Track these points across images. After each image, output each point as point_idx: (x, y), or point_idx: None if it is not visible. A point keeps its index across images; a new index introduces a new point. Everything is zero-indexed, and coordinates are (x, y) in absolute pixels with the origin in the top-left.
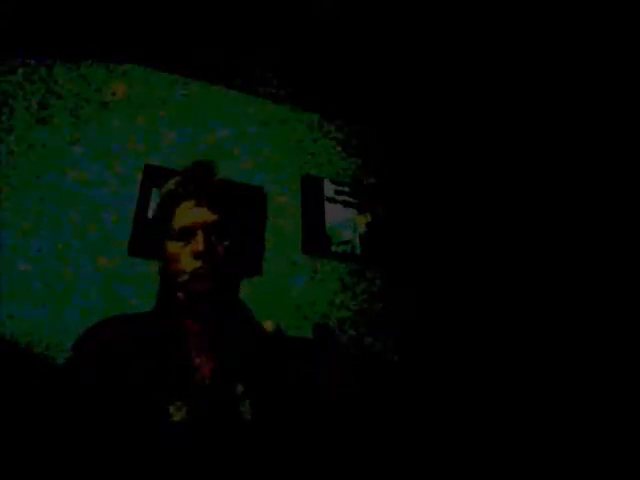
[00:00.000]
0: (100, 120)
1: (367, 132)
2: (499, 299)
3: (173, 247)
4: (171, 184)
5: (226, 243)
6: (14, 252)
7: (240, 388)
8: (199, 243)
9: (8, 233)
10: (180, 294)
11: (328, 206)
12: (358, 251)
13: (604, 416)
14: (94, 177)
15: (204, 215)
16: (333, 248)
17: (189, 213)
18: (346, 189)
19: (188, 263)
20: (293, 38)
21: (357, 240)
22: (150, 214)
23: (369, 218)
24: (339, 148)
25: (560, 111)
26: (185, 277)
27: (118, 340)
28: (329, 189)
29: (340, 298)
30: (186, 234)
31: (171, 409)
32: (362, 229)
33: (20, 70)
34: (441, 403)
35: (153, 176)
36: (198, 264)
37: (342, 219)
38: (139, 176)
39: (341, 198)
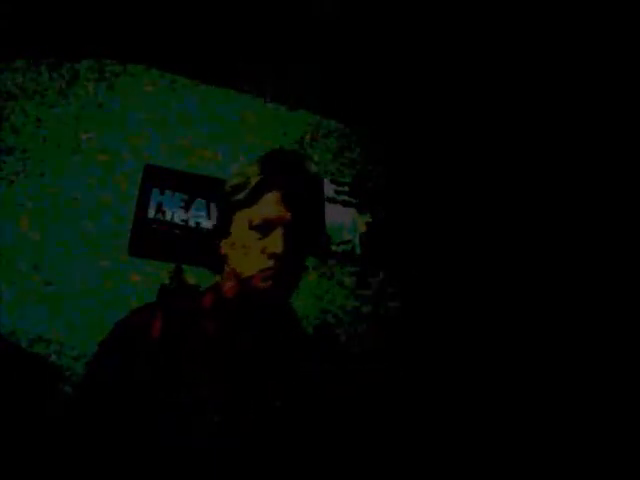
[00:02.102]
0: (100, 120)
1: (367, 132)
2: (499, 299)
3: (246, 235)
4: (259, 169)
5: (300, 246)
6: (14, 252)
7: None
8: (278, 244)
9: (8, 233)
10: (229, 285)
11: (328, 206)
12: (358, 251)
13: (604, 415)
14: (94, 177)
15: (287, 213)
16: (333, 248)
17: (274, 207)
18: (346, 189)
19: (258, 259)
20: (293, 38)
21: (357, 240)
22: (151, 214)
23: (369, 218)
24: (339, 148)
25: (560, 111)
26: (250, 272)
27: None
28: (329, 189)
29: (340, 298)
30: (265, 227)
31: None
32: (362, 229)
33: (20, 70)
34: (440, 403)
35: (153, 176)
36: (269, 264)
37: (342, 219)
38: (139, 176)
39: (341, 198)
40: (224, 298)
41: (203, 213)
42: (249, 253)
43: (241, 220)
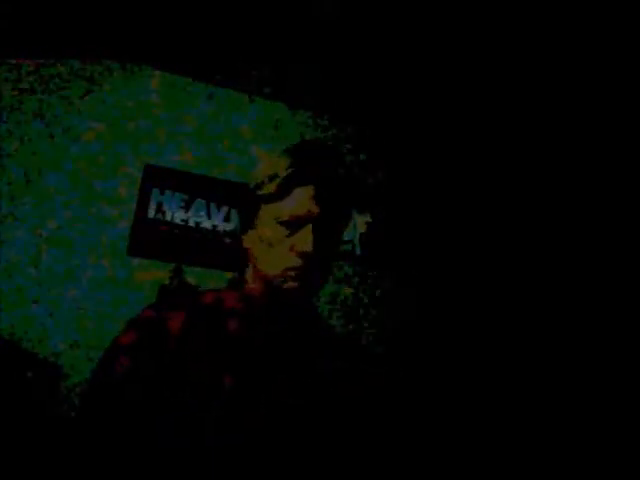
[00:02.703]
0: (100, 120)
1: (367, 132)
2: (498, 299)
3: (273, 231)
4: (289, 161)
5: (329, 246)
6: (14, 252)
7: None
8: (307, 242)
9: (8, 233)
10: (253, 282)
11: None
12: (358, 251)
13: (603, 414)
14: (94, 177)
15: (318, 209)
16: None
17: (304, 202)
18: None
19: (285, 257)
20: (293, 38)
21: (357, 240)
22: (151, 214)
23: (369, 218)
24: (339, 148)
25: (559, 111)
26: (276, 271)
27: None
28: None
29: (340, 297)
30: (294, 224)
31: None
32: (362, 229)
33: (20, 69)
34: (439, 402)
35: (153, 176)
36: (297, 262)
37: None
38: (139, 176)
39: None
40: (247, 296)
41: (203, 213)
42: (275, 250)
43: (268, 215)
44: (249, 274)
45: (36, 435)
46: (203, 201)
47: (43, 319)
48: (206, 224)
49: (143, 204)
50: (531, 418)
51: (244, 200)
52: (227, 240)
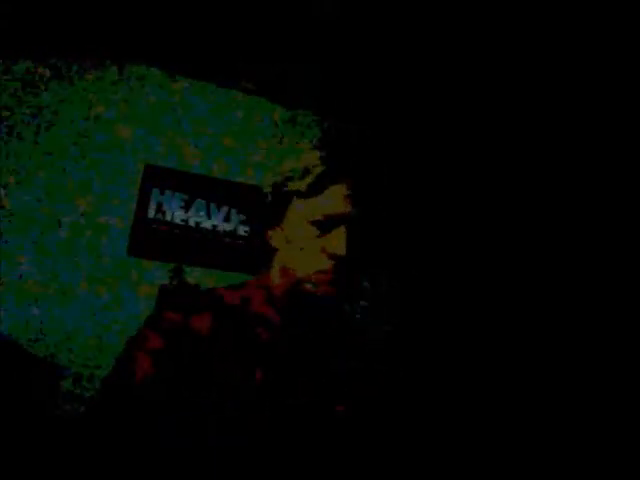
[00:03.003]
0: (100, 120)
1: (366, 132)
2: (498, 299)
3: (303, 230)
4: (319, 155)
5: (365, 249)
6: (14, 252)
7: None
8: (340, 244)
9: (8, 233)
10: (278, 283)
11: None
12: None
13: (603, 414)
14: (94, 177)
15: (353, 209)
16: None
17: (339, 201)
18: None
19: (315, 259)
20: (293, 38)
21: None
22: (151, 214)
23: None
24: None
25: (559, 111)
26: (303, 274)
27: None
28: None
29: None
30: (326, 224)
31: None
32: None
33: (20, 70)
34: (442, 402)
35: (153, 176)
36: (328, 266)
37: None
38: (139, 176)
39: None
40: (274, 298)
41: (203, 213)
42: (305, 251)
43: (298, 212)
44: (275, 272)
45: (36, 435)
46: (203, 201)
47: (43, 319)
48: (206, 224)
49: (143, 204)
50: (531, 418)
51: (271, 193)
52: (227, 240)
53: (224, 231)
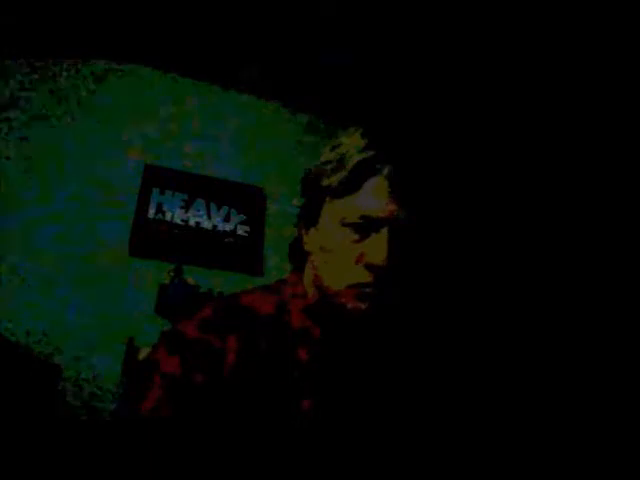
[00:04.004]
0: (100, 119)
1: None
2: (497, 298)
3: (338, 235)
4: (362, 143)
5: (410, 256)
6: (14, 252)
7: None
8: (381, 252)
9: (7, 233)
10: (311, 297)
11: None
12: None
13: (602, 414)
14: (94, 177)
15: (397, 208)
16: None
17: (379, 198)
18: None
19: (351, 270)
20: (293, 37)
21: None
22: (151, 214)
23: None
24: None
25: (558, 111)
26: (338, 286)
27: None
28: None
29: None
30: (364, 227)
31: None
32: None
33: (20, 69)
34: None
35: (153, 176)
36: (366, 279)
37: None
38: (139, 176)
39: None
40: (313, 314)
41: (203, 213)
42: (339, 260)
43: (332, 213)
44: (307, 281)
45: (36, 435)
46: (203, 201)
47: (43, 319)
48: (206, 224)
49: (143, 204)
50: (531, 418)
51: (305, 192)
52: (227, 240)
53: (224, 231)
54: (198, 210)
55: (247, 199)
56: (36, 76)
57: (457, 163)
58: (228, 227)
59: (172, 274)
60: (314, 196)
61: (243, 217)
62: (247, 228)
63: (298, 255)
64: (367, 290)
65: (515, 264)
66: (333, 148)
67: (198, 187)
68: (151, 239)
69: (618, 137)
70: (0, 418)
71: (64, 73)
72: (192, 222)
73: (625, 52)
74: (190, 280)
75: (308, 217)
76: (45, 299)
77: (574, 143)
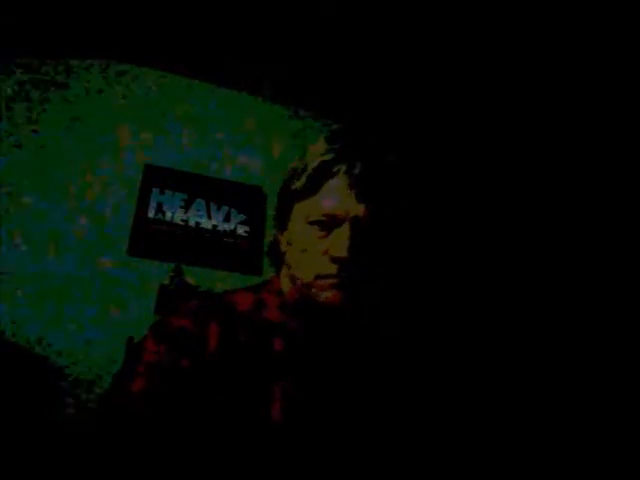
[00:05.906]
0: (100, 120)
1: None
2: (499, 299)
3: (305, 233)
4: (323, 148)
5: (377, 250)
6: (13, 252)
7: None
8: (342, 246)
9: (7, 232)
10: (288, 291)
11: None
12: None
13: (604, 415)
14: (94, 176)
15: (356, 205)
16: None
17: (338, 197)
18: None
19: (318, 262)
20: (292, 37)
21: None
22: (151, 214)
23: None
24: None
25: (560, 112)
26: (308, 278)
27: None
28: None
29: None
30: (327, 223)
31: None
32: None
33: (20, 69)
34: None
35: (153, 176)
36: (331, 270)
37: None
38: (139, 176)
39: None
40: (288, 307)
41: (203, 213)
42: (308, 254)
43: (299, 214)
44: (284, 279)
45: (35, 435)
46: (203, 201)
47: (43, 319)
48: (206, 224)
49: (143, 204)
50: (531, 418)
51: (278, 197)
52: (227, 240)
53: (224, 231)
54: (198, 210)
55: (247, 199)
56: (36, 76)
57: (447, 160)
58: (228, 227)
59: (172, 274)
60: (285, 200)
61: (243, 217)
62: (247, 228)
63: (275, 256)
64: (334, 280)
65: (502, 260)
66: (301, 157)
67: (198, 187)
68: (151, 239)
69: (618, 137)
70: (0, 418)
71: (64, 73)
72: (192, 222)
73: (625, 52)
74: (190, 280)
75: (280, 220)
76: (45, 299)
77: (564, 140)
